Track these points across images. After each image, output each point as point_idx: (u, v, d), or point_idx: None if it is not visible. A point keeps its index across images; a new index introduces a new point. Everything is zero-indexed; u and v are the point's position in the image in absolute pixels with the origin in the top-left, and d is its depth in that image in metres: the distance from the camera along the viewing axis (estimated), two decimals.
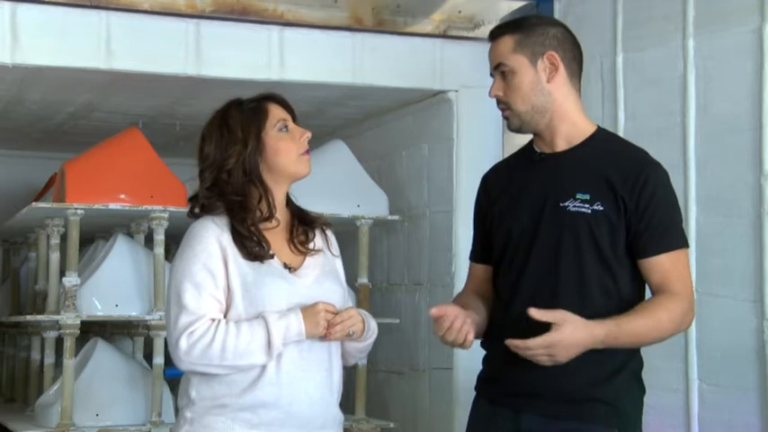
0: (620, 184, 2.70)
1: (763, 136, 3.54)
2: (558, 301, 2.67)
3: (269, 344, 2.66)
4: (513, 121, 2.82)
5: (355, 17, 4.76)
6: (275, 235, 2.81)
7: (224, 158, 2.76)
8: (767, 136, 3.54)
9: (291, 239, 2.84)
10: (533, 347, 2.59)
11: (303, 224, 2.88)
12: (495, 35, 2.84)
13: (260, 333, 2.66)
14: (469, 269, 3.04)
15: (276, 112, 2.83)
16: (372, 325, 2.85)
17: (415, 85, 4.84)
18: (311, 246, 2.86)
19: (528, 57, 2.77)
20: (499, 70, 2.81)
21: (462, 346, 2.74)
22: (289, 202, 2.89)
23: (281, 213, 2.84)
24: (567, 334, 2.58)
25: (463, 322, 2.70)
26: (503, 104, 2.82)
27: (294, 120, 2.87)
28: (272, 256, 2.76)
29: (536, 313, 2.59)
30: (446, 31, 4.87)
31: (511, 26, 2.84)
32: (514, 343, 2.61)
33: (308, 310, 2.71)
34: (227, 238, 2.74)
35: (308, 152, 2.84)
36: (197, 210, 2.83)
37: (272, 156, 2.79)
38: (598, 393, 2.70)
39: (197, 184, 2.86)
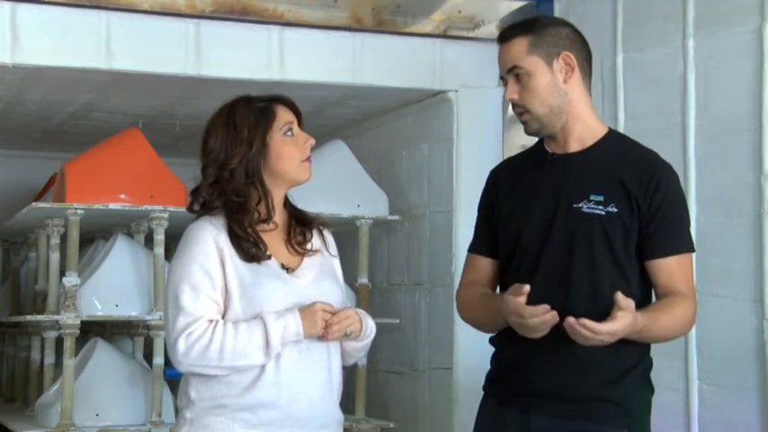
0: (634, 185, 2.70)
1: (763, 136, 3.54)
2: (570, 301, 2.66)
3: (267, 344, 2.66)
4: (531, 125, 2.79)
5: (355, 17, 4.76)
6: (273, 236, 2.80)
7: (228, 157, 2.76)
8: (767, 136, 3.54)
9: (289, 240, 2.84)
10: (601, 332, 2.54)
11: (300, 225, 2.88)
12: (506, 37, 2.80)
13: (258, 333, 2.66)
14: (470, 261, 2.98)
15: (284, 115, 2.82)
16: (370, 324, 2.85)
17: (415, 85, 4.84)
18: (309, 246, 2.86)
19: (543, 58, 2.75)
20: (513, 73, 2.77)
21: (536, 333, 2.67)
22: (286, 203, 2.89)
23: (279, 215, 2.84)
24: (629, 323, 2.57)
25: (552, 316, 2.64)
26: (520, 108, 2.78)
27: (300, 123, 2.86)
28: (269, 257, 2.76)
29: (621, 298, 2.55)
30: (446, 31, 4.87)
31: (522, 27, 2.80)
32: (585, 322, 2.53)
33: (305, 310, 2.71)
34: (224, 239, 2.73)
35: (309, 159, 2.84)
36: (196, 206, 2.83)
37: (275, 159, 2.78)
38: (608, 394, 2.70)
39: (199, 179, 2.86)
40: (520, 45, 2.76)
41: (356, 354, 2.90)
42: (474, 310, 2.89)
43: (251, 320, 2.68)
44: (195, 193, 2.83)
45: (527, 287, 2.60)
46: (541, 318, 2.59)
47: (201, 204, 2.82)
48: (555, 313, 2.59)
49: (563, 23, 2.88)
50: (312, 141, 2.84)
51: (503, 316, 2.69)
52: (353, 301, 4.83)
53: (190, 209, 2.85)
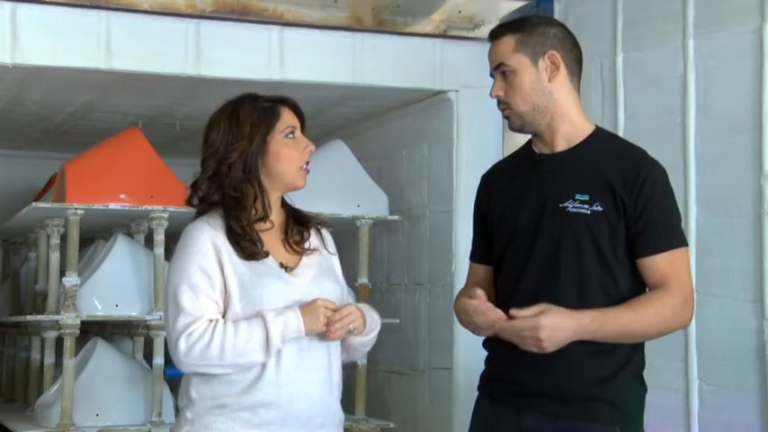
0: (619, 184, 2.71)
1: (763, 136, 3.54)
2: (558, 302, 2.67)
3: (267, 342, 2.66)
4: (514, 121, 2.82)
5: (355, 17, 4.76)
6: (270, 236, 2.81)
7: (227, 151, 2.77)
8: (767, 136, 3.54)
9: (287, 239, 2.84)
10: (518, 328, 2.63)
11: (298, 224, 2.89)
12: (496, 35, 2.84)
13: (258, 331, 2.67)
14: (470, 269, 3.04)
15: (287, 118, 2.83)
16: (375, 317, 2.86)
17: (415, 85, 4.84)
18: (307, 245, 2.86)
19: (529, 56, 2.77)
20: (500, 70, 2.81)
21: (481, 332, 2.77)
22: (283, 203, 2.89)
23: (276, 215, 2.84)
24: (553, 317, 2.61)
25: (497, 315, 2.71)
26: (504, 104, 2.82)
27: (303, 128, 2.87)
28: (266, 254, 2.76)
29: (516, 313, 2.63)
30: (446, 31, 4.87)
31: (511, 26, 2.84)
32: (505, 316, 2.65)
33: (306, 307, 2.72)
34: (221, 240, 2.74)
35: (307, 165, 2.84)
36: (195, 200, 2.83)
37: (273, 160, 2.79)
38: (600, 392, 2.71)
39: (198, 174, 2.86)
40: (507, 43, 2.79)
41: (362, 348, 2.91)
42: (460, 314, 2.92)
43: (251, 318, 2.69)
44: (194, 186, 2.84)
45: (479, 291, 2.70)
46: (484, 317, 2.68)
47: (200, 198, 2.82)
48: (499, 312, 2.67)
49: (554, 23, 2.89)
50: (312, 148, 2.85)
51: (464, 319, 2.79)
52: (353, 299, 4.82)
53: (189, 202, 2.86)
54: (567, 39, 2.83)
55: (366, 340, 2.87)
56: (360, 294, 4.97)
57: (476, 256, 3.00)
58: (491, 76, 2.85)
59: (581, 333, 2.64)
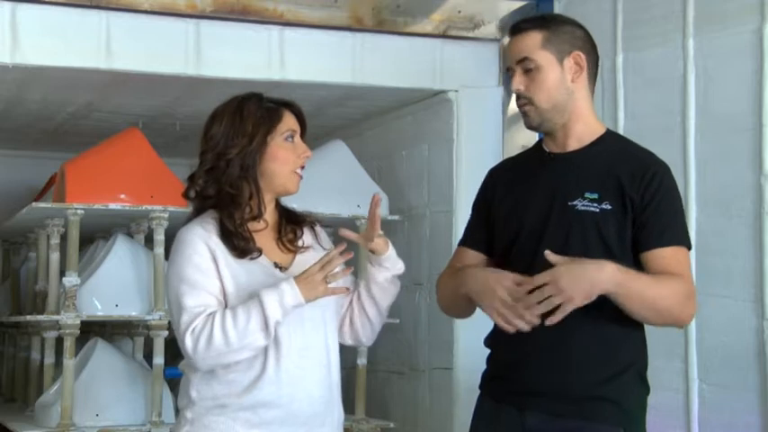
0: (627, 182, 2.71)
1: (763, 136, 3.54)
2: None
3: (265, 318, 2.63)
4: (532, 118, 2.80)
5: (355, 17, 4.76)
6: (263, 235, 2.81)
7: (227, 147, 2.77)
8: (767, 136, 3.54)
9: (280, 239, 2.84)
10: (539, 281, 2.60)
11: (291, 223, 2.89)
12: (521, 29, 2.81)
13: (255, 309, 2.63)
14: (458, 252, 3.01)
15: (289, 121, 2.83)
16: (391, 254, 2.96)
17: (415, 85, 4.84)
18: (300, 243, 2.86)
19: (555, 54, 2.76)
20: (523, 65, 2.79)
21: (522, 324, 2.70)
22: (277, 204, 2.89)
23: (270, 214, 2.84)
24: (570, 266, 2.59)
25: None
26: (524, 99, 2.80)
27: (303, 134, 2.87)
28: (259, 251, 2.76)
29: (551, 256, 2.61)
30: (446, 31, 4.87)
31: (538, 22, 2.82)
32: (521, 279, 2.64)
33: (299, 275, 2.67)
34: (214, 241, 2.73)
35: (302, 169, 2.84)
36: (192, 193, 2.83)
37: (269, 160, 2.79)
38: (603, 392, 2.70)
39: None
40: (534, 38, 2.78)
41: (384, 292, 3.02)
42: (446, 288, 2.97)
43: (248, 300, 2.67)
44: (191, 178, 2.84)
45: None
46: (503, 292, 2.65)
47: (197, 192, 2.82)
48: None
49: (578, 25, 2.88)
50: (309, 154, 2.85)
51: (469, 285, 2.78)
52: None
53: (186, 195, 2.86)
54: (589, 41, 2.83)
55: (389, 276, 3.00)
56: None
57: (469, 242, 2.98)
58: (507, 70, 2.84)
59: (607, 280, 2.60)
